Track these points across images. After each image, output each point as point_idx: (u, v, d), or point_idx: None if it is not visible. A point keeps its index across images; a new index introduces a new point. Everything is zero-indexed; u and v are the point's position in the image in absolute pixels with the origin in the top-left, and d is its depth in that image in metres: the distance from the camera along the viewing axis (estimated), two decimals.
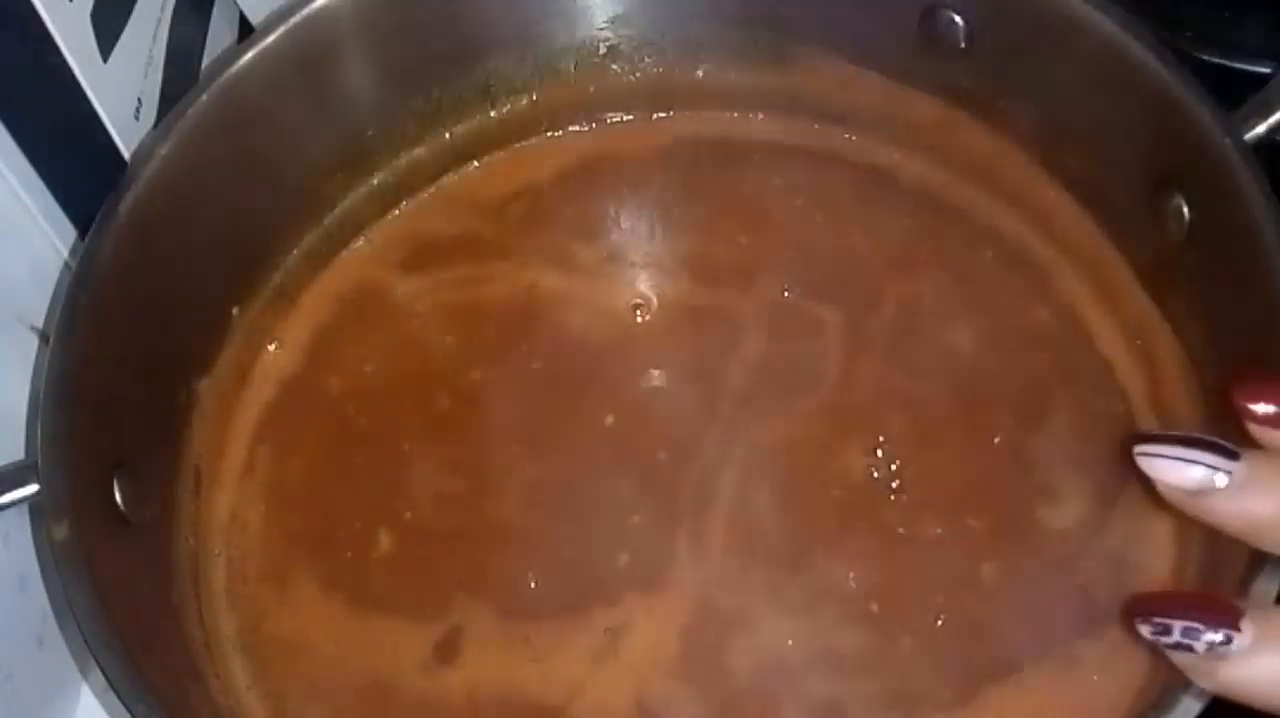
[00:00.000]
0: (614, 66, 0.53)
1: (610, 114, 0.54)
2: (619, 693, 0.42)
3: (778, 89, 0.53)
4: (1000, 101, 0.49)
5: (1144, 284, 0.47)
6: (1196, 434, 0.32)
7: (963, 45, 0.48)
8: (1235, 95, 0.43)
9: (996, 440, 0.45)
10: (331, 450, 0.47)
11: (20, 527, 0.43)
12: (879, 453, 0.45)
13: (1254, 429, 0.33)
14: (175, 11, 0.48)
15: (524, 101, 0.53)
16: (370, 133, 0.51)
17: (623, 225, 0.52)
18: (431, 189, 0.53)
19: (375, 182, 0.52)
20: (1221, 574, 0.38)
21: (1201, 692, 0.33)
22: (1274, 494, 0.31)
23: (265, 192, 0.49)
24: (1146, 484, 0.33)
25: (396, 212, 0.53)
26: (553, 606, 0.43)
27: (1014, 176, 0.50)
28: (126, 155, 0.44)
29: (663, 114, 0.54)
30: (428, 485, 0.46)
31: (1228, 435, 0.32)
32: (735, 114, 0.54)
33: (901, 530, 0.44)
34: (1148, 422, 0.45)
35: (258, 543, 0.46)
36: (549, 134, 0.54)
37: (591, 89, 0.53)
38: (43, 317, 0.45)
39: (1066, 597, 0.42)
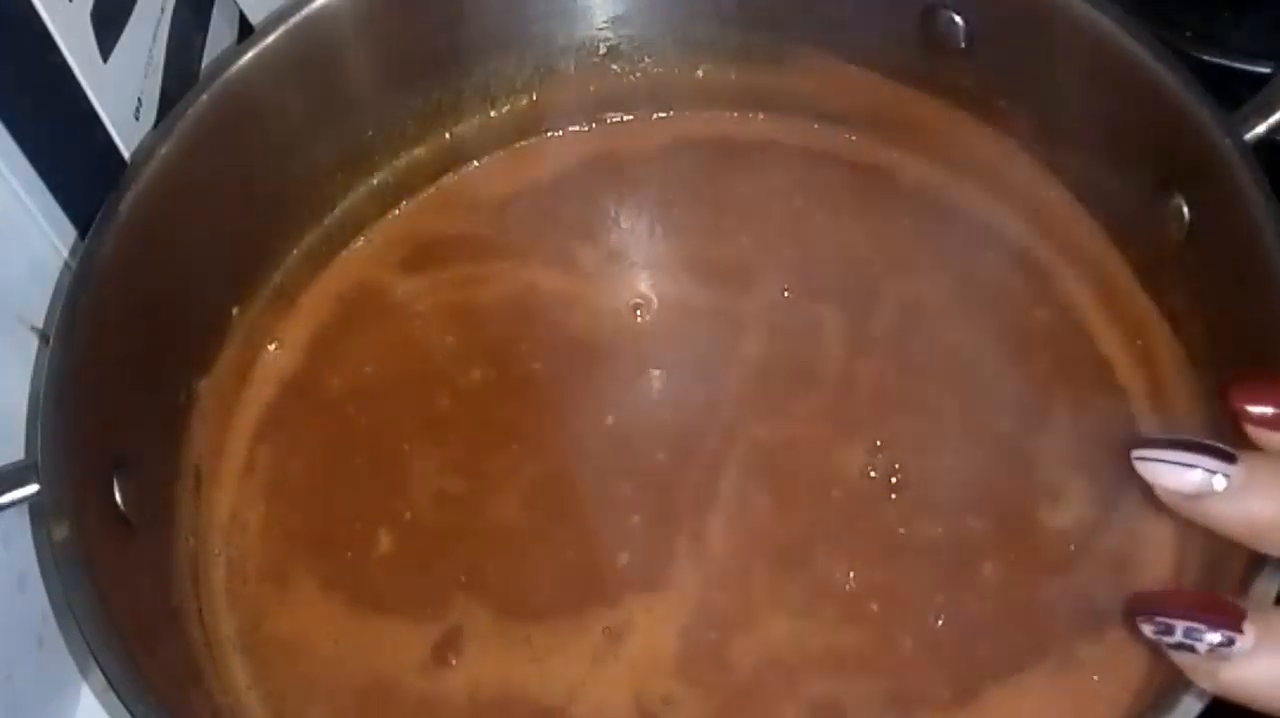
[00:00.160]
0: (614, 66, 0.53)
1: (610, 114, 0.54)
2: (619, 693, 0.42)
3: (778, 89, 0.53)
4: (1000, 101, 0.49)
5: (1144, 284, 0.46)
6: (1194, 438, 0.32)
7: (963, 45, 0.48)
8: (1235, 95, 0.43)
9: (996, 441, 0.45)
10: (331, 450, 0.47)
11: (20, 527, 0.43)
12: (879, 453, 0.45)
13: (1252, 431, 0.33)
14: (175, 11, 0.48)
15: (524, 101, 0.53)
16: (370, 133, 0.51)
17: (623, 225, 0.52)
18: (431, 189, 0.53)
19: (375, 181, 0.52)
20: (1221, 575, 0.38)
21: (1202, 692, 0.33)
22: (1272, 497, 0.31)
23: (265, 191, 0.49)
24: (1146, 486, 0.33)
25: (396, 212, 0.53)
26: (553, 606, 0.43)
27: (1014, 177, 0.50)
28: (126, 155, 0.44)
29: (663, 114, 0.54)
30: (428, 485, 0.46)
31: (1228, 436, 0.32)
32: (735, 114, 0.54)
33: (901, 530, 0.44)
34: (1148, 422, 0.45)
35: (258, 543, 0.46)
36: (549, 134, 0.54)
37: (591, 89, 0.53)
38: (43, 317, 0.45)
39: (1066, 597, 0.42)
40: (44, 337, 0.44)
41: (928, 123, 0.51)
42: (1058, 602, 0.42)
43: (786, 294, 0.49)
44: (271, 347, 0.50)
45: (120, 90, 0.44)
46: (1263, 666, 0.30)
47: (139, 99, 0.46)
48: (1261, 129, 0.42)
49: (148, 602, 0.41)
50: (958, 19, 0.48)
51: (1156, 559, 0.43)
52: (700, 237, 0.51)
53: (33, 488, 0.38)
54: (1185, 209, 0.43)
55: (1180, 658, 0.31)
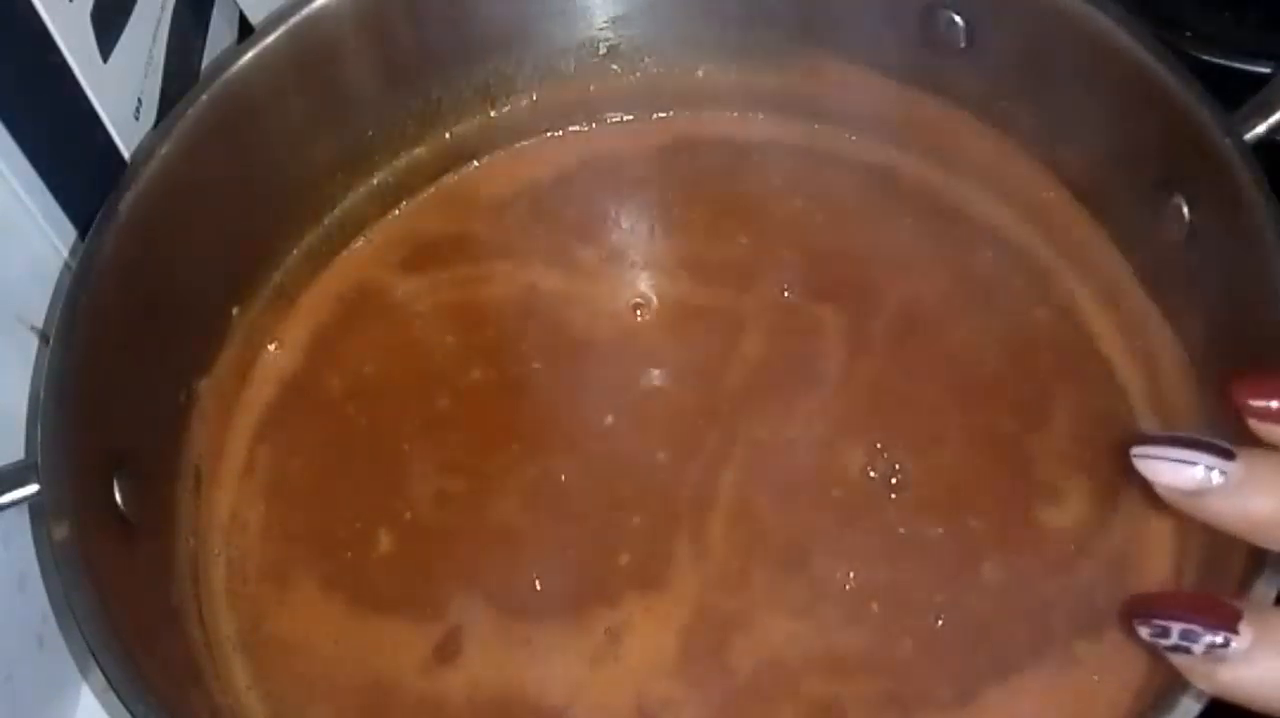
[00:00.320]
0: (614, 66, 0.53)
1: (610, 114, 0.54)
2: (619, 694, 0.42)
3: (778, 89, 0.53)
4: (1000, 101, 0.49)
5: (1144, 284, 0.46)
6: (1193, 435, 0.32)
7: (963, 45, 0.48)
8: (1235, 95, 0.43)
9: (996, 441, 0.45)
10: (331, 450, 0.47)
11: (20, 527, 0.43)
12: (879, 453, 0.45)
13: (1254, 425, 0.33)
14: (175, 11, 0.48)
15: (524, 101, 0.53)
16: (370, 133, 0.51)
17: (623, 225, 0.52)
18: (431, 189, 0.53)
19: (375, 181, 0.52)
20: (1221, 575, 0.38)
21: (1200, 693, 0.33)
22: (1271, 493, 0.31)
23: (265, 191, 0.49)
24: (1146, 484, 0.33)
25: (396, 212, 0.53)
26: (553, 606, 0.43)
27: (1014, 177, 0.50)
28: (126, 155, 0.45)
29: (663, 114, 0.54)
30: (428, 485, 0.46)
31: (1228, 435, 0.32)
32: (735, 114, 0.54)
33: (901, 530, 0.44)
34: (1148, 422, 0.45)
35: (258, 543, 0.46)
36: (549, 134, 0.54)
37: (591, 89, 0.53)
38: (43, 317, 0.45)
39: (1066, 597, 0.42)
40: (44, 337, 0.44)
41: (928, 123, 0.51)
42: (1057, 602, 0.42)
43: (786, 294, 0.49)
44: (271, 347, 0.50)
45: (120, 90, 0.44)
46: (1260, 666, 0.30)
47: (139, 99, 0.46)
48: (1261, 129, 0.42)
49: (148, 602, 0.41)
50: (958, 19, 0.48)
51: (1156, 559, 0.43)
52: (700, 236, 0.51)
53: (33, 488, 0.38)
54: (1185, 209, 0.43)
55: (1177, 660, 0.31)
